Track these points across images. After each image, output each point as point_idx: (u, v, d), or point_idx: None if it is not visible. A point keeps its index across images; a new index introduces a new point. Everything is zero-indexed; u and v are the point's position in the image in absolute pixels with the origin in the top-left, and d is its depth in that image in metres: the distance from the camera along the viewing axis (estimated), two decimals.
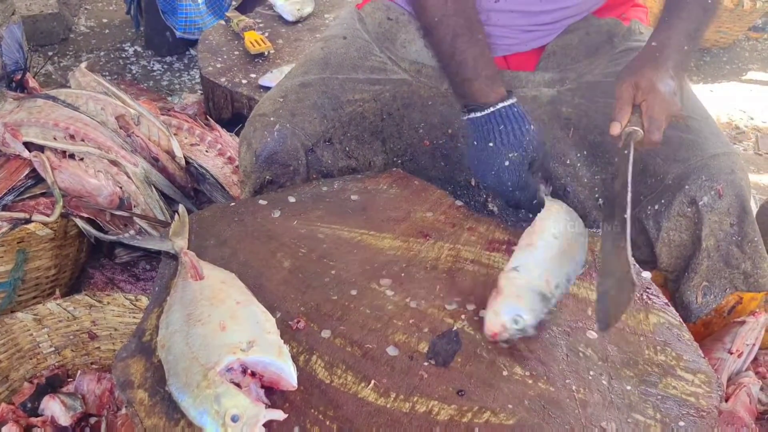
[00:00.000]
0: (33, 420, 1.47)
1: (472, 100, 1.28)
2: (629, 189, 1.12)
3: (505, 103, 1.25)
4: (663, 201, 1.31)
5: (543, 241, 1.13)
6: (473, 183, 1.45)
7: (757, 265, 1.33)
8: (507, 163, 1.25)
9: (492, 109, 1.25)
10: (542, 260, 1.09)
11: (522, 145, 1.25)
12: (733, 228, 1.30)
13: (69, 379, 1.60)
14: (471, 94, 1.28)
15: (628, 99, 1.23)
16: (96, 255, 2.10)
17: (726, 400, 1.40)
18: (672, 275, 1.38)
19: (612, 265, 1.05)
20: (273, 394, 0.91)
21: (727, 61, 3.97)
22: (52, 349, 1.62)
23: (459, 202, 1.37)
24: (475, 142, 1.28)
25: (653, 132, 1.21)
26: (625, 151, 1.19)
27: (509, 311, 1.00)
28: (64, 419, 1.47)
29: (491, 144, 1.25)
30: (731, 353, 1.48)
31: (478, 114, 1.26)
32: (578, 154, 1.42)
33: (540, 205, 1.25)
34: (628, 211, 1.09)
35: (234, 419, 0.83)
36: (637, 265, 1.22)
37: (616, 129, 1.23)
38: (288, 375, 0.90)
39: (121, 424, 1.47)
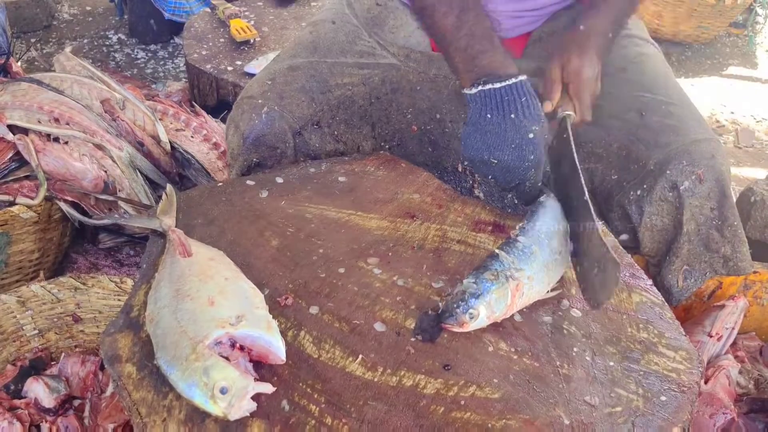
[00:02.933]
0: (16, 402, 1.46)
1: (488, 71, 1.20)
2: (580, 171, 1.15)
3: (523, 77, 1.19)
4: (645, 186, 1.33)
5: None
6: (460, 168, 1.46)
7: (737, 248, 1.35)
8: (531, 135, 1.17)
9: (514, 80, 1.18)
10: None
11: (542, 120, 1.19)
12: (713, 212, 1.32)
13: (53, 362, 1.60)
14: (487, 65, 1.21)
15: (557, 79, 1.27)
16: (79, 240, 2.09)
17: (705, 383, 1.43)
18: (654, 260, 1.40)
19: (586, 246, 1.07)
20: (261, 368, 0.92)
21: (708, 57, 4.02)
22: (36, 331, 1.61)
23: (446, 185, 1.38)
24: (489, 115, 1.18)
25: (584, 113, 1.27)
26: (564, 135, 1.22)
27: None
28: (48, 401, 1.47)
29: (513, 116, 1.17)
30: (711, 336, 1.50)
31: (498, 85, 1.18)
32: None
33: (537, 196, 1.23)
34: (586, 193, 1.11)
35: (222, 391, 0.84)
36: (613, 240, 1.23)
37: (548, 107, 1.26)
38: (276, 349, 0.90)
39: (105, 406, 1.46)
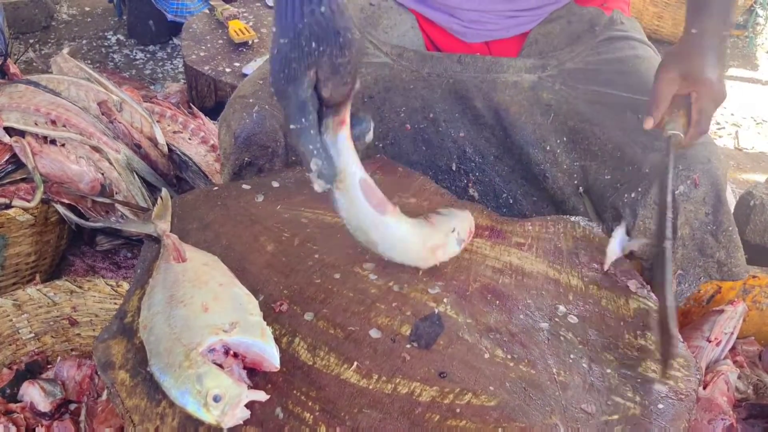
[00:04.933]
0: (12, 406, 1.46)
1: None
2: (668, 212, 1.09)
3: None
4: (640, 189, 1.32)
5: None
6: (454, 168, 1.46)
7: (731, 254, 1.34)
8: (275, 51, 0.93)
9: None
10: None
11: (294, 30, 0.92)
12: (708, 217, 1.30)
13: (49, 366, 1.59)
14: None
15: (668, 92, 1.20)
16: (77, 242, 2.08)
17: (704, 388, 1.42)
18: (647, 263, 1.38)
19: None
20: (255, 375, 0.91)
21: None
22: (32, 335, 1.60)
23: (442, 189, 1.37)
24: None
25: (702, 124, 1.18)
26: (666, 158, 1.15)
27: None
28: (44, 405, 1.46)
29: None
30: (709, 341, 1.50)
31: None
32: (558, 140, 1.43)
33: None
34: (668, 240, 1.06)
35: (216, 399, 0.83)
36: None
37: (649, 123, 1.20)
38: (270, 356, 0.90)
39: (101, 410, 1.46)
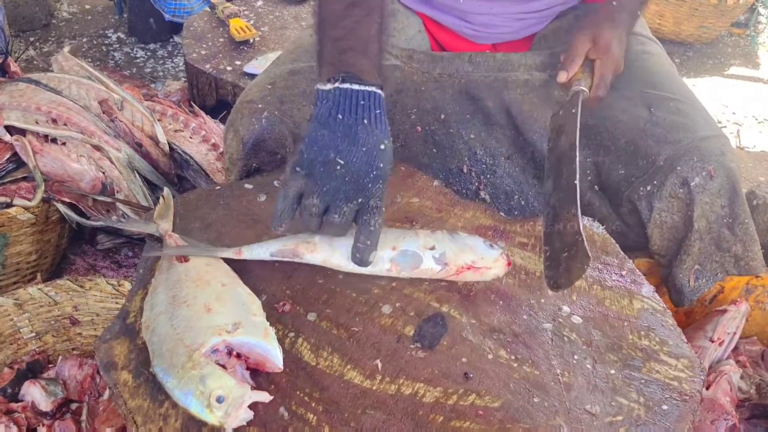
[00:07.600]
0: (13, 405, 1.46)
1: (351, 71, 1.05)
2: (577, 152, 1.19)
3: (381, 93, 1.05)
4: (655, 182, 1.32)
5: None
6: (465, 170, 1.45)
7: (748, 247, 1.34)
8: (382, 147, 1.01)
9: (374, 89, 1.04)
10: None
11: (390, 139, 1.04)
12: (724, 210, 1.30)
13: (50, 365, 1.59)
14: (352, 64, 1.06)
15: (581, 51, 1.32)
16: (77, 241, 2.08)
17: (707, 388, 1.41)
18: (664, 259, 1.38)
19: (563, 229, 1.09)
20: (258, 376, 0.91)
21: (709, 57, 4.00)
22: (33, 334, 1.60)
23: (446, 188, 1.37)
24: (340, 116, 1.02)
25: (601, 89, 1.32)
26: (573, 110, 1.26)
27: None
28: (45, 405, 1.46)
29: (365, 121, 1.02)
30: (712, 342, 1.49)
31: (356, 87, 1.03)
32: None
33: None
34: (578, 176, 1.14)
35: (219, 400, 0.83)
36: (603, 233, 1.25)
37: (563, 77, 1.32)
38: (274, 357, 0.90)
39: (102, 410, 1.46)
